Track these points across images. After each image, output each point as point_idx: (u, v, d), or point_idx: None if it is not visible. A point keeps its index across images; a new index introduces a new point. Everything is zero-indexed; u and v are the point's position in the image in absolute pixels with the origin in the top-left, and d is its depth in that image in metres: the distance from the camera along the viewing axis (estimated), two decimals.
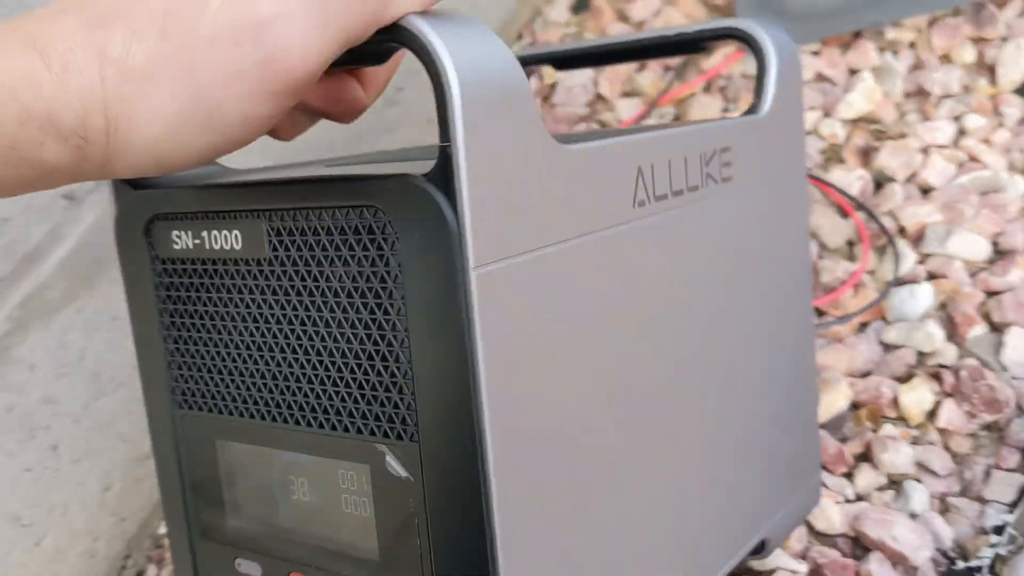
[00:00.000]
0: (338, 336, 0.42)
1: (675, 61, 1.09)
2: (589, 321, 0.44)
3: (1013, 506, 0.70)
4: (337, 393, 0.43)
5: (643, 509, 0.49)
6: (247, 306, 0.45)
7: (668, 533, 0.52)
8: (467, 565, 0.40)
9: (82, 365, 0.76)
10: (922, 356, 0.80)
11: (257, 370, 0.46)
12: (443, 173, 0.37)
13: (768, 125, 0.59)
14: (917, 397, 0.77)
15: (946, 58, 1.00)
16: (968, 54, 0.99)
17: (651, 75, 1.09)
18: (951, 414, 0.75)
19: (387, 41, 0.38)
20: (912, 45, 1.02)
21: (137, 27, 0.34)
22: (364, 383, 0.42)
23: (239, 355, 0.47)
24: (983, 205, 0.87)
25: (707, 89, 1.06)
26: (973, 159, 0.91)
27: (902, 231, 0.88)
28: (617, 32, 1.13)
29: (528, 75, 0.75)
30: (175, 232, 0.47)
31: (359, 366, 0.42)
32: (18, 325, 0.71)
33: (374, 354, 0.41)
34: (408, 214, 0.38)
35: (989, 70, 0.98)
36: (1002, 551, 0.68)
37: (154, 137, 0.35)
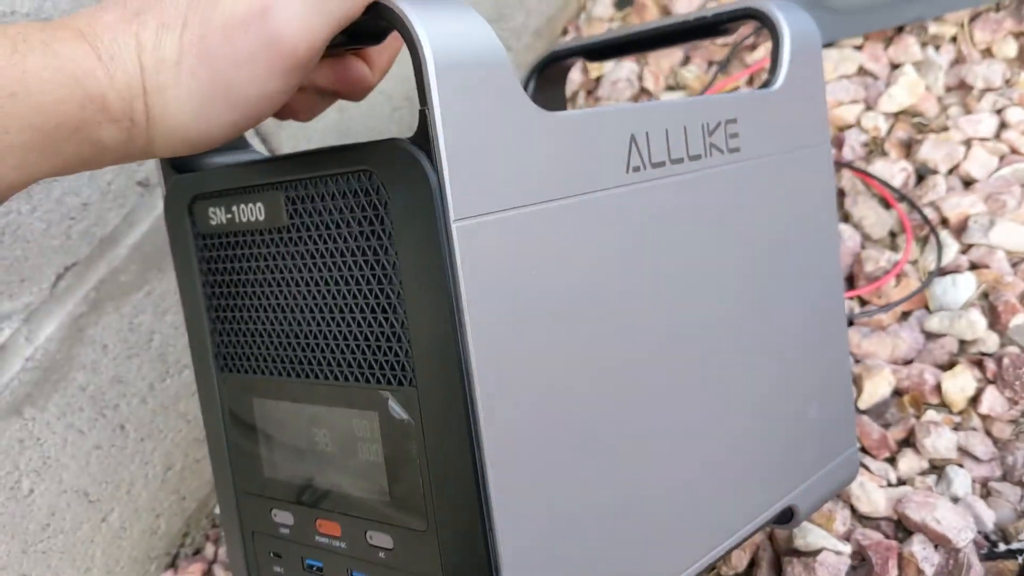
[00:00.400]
0: (346, 293, 0.46)
1: (720, 55, 1.11)
2: (581, 276, 0.47)
3: None
4: (347, 346, 0.47)
5: (641, 463, 0.52)
6: (271, 272, 0.50)
7: (671, 491, 0.54)
8: (462, 502, 0.44)
9: (150, 347, 0.79)
10: (964, 344, 0.81)
11: (283, 331, 0.50)
12: (424, 135, 0.41)
13: (782, 99, 0.61)
14: (959, 384, 0.78)
15: (988, 52, 1.01)
16: (1010, 48, 1.00)
17: (696, 69, 1.11)
18: (993, 400, 0.77)
19: (373, 19, 0.42)
20: (954, 39, 1.03)
21: (166, 20, 0.39)
22: (369, 335, 0.46)
23: (268, 318, 0.51)
24: None
25: (750, 82, 1.07)
26: (1015, 151, 0.92)
27: (944, 222, 0.89)
28: None
29: (568, 69, 0.77)
30: (211, 209, 0.51)
31: (364, 319, 0.46)
32: (93, 307, 0.74)
33: (376, 307, 0.45)
34: (396, 175, 0.42)
35: None
36: None
37: (184, 118, 0.40)
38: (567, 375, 0.47)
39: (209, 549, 0.89)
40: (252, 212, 0.49)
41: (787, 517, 0.64)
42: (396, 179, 0.42)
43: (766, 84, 0.61)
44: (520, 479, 0.44)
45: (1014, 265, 0.84)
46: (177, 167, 0.54)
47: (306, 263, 0.48)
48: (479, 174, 0.42)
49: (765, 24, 0.63)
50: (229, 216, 0.50)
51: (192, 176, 0.53)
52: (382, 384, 0.46)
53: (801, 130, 0.63)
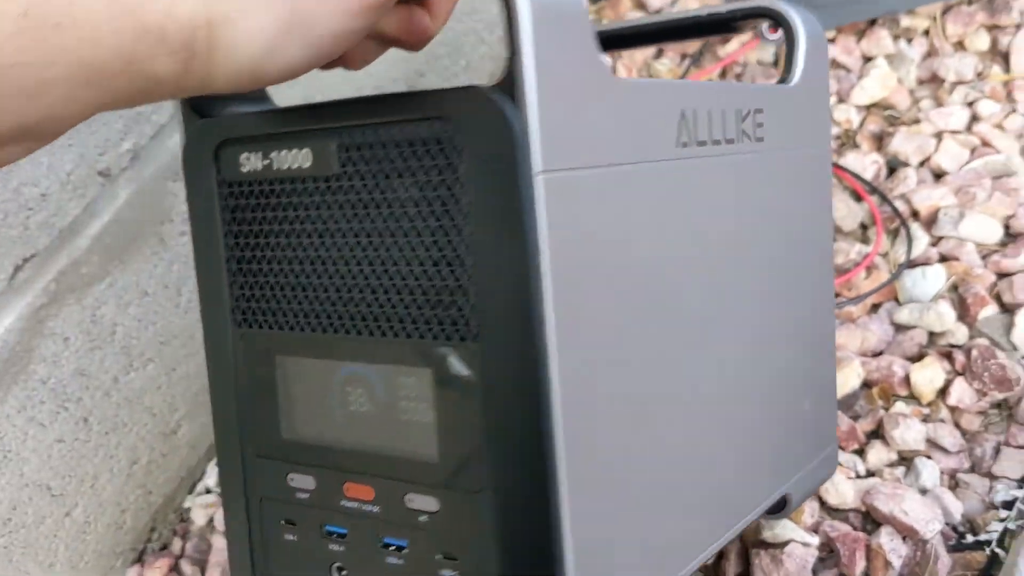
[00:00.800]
0: (403, 245, 0.44)
1: (692, 48, 1.11)
2: (639, 242, 0.47)
3: (1022, 482, 0.72)
4: (401, 300, 0.45)
5: (679, 433, 0.52)
6: (314, 222, 0.47)
7: (701, 465, 0.54)
8: (526, 462, 0.42)
9: (113, 339, 0.78)
10: (933, 336, 0.81)
11: (322, 284, 0.48)
12: (509, 83, 0.40)
13: (797, 96, 0.62)
14: (928, 376, 0.78)
15: (960, 45, 1.01)
16: (982, 41, 1.00)
17: (668, 62, 1.11)
18: (962, 392, 0.77)
19: None
20: (926, 33, 1.03)
21: None
22: (428, 288, 0.44)
23: (304, 270, 0.48)
24: (995, 189, 0.88)
25: (723, 75, 1.07)
26: (986, 144, 0.92)
27: (915, 214, 0.89)
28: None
29: None
30: (244, 155, 0.49)
31: (424, 272, 0.44)
32: (53, 298, 0.73)
33: (438, 259, 0.43)
34: (476, 123, 0.41)
35: (1003, 57, 0.99)
36: (1011, 525, 0.69)
37: (254, 51, 0.37)
38: (627, 336, 0.46)
39: (176, 544, 0.89)
40: (296, 159, 0.47)
41: (780, 506, 0.64)
42: (476, 127, 0.41)
43: (783, 80, 0.63)
44: (587, 438, 0.44)
45: (984, 257, 0.84)
46: (199, 111, 0.51)
47: (357, 213, 0.46)
48: (562, 128, 0.41)
49: (780, 23, 0.64)
50: (266, 162, 0.48)
51: (220, 119, 0.50)
52: (439, 340, 0.44)
53: (811, 128, 0.64)
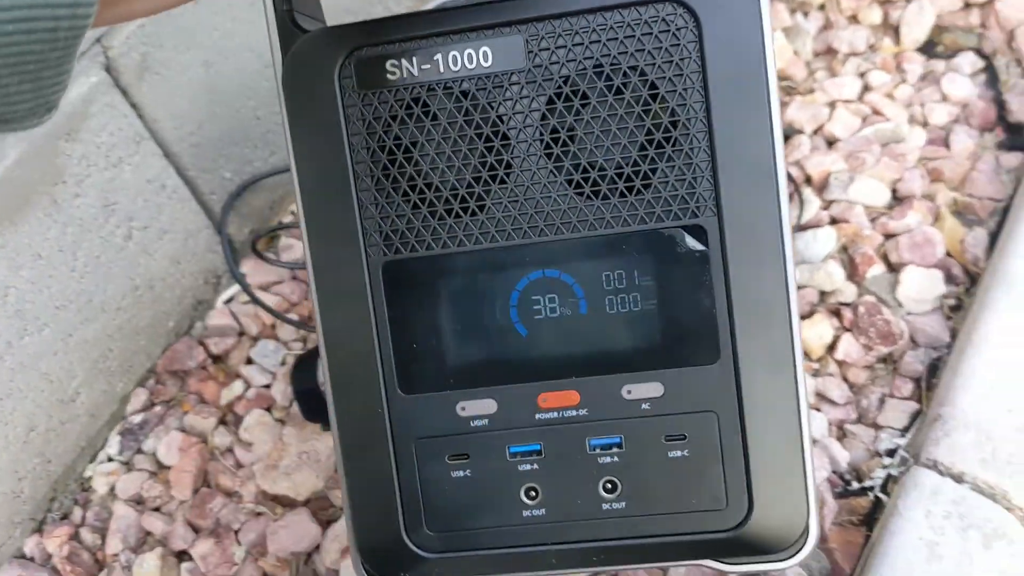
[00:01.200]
0: (616, 131, 0.44)
1: None
2: None
3: (905, 431, 0.75)
4: (614, 189, 0.45)
5: None
6: (493, 125, 0.45)
7: None
8: (771, 327, 0.44)
9: (5, 303, 0.76)
10: (824, 295, 0.84)
11: (505, 189, 0.46)
12: None
13: None
14: (818, 332, 0.80)
15: (854, 19, 1.04)
16: (874, 15, 1.03)
17: None
18: (849, 347, 0.79)
19: None
20: (822, 7, 1.06)
21: None
22: (648, 172, 0.44)
23: (480, 178, 0.46)
24: (884, 154, 0.91)
25: None
26: (876, 112, 0.95)
27: (808, 180, 0.92)
28: None
29: None
30: (390, 62, 0.46)
31: (644, 156, 0.44)
32: None
33: (663, 141, 0.44)
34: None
35: (894, 30, 1.02)
36: (893, 472, 0.72)
37: None
38: None
39: (77, 513, 0.87)
40: (472, 59, 0.45)
41: None
42: (711, 5, 0.42)
43: None
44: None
45: (872, 219, 0.87)
46: (297, 26, 0.47)
47: (553, 107, 0.45)
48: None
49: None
50: (426, 67, 0.45)
51: (344, 29, 0.46)
52: (664, 222, 0.44)
53: None
